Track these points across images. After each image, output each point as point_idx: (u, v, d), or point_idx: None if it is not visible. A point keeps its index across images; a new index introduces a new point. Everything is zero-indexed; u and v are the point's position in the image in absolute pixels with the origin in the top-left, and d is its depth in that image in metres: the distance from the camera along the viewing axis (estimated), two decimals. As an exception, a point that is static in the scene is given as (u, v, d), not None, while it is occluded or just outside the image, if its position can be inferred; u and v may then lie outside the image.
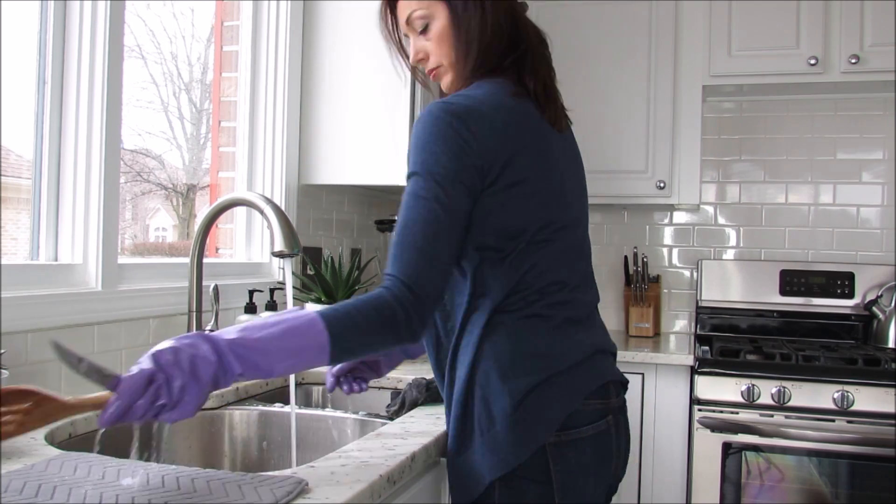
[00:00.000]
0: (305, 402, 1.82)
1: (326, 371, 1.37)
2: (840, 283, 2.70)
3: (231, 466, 1.50)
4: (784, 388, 2.17)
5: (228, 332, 0.98)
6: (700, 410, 2.23)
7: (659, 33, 2.65)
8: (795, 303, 2.75)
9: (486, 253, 1.16)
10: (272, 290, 1.92)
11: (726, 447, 2.20)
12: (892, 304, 2.54)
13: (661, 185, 2.64)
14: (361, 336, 1.03)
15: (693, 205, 2.79)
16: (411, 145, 1.14)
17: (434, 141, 1.10)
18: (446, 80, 1.27)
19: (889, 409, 2.11)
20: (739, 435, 2.19)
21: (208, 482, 0.90)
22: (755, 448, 2.19)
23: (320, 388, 1.83)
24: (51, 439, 1.16)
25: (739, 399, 2.20)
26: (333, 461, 1.05)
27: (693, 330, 2.92)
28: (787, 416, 2.17)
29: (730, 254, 2.94)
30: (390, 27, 1.33)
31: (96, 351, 1.43)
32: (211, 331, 1.60)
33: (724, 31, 2.59)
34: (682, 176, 2.65)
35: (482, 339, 1.15)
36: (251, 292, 1.82)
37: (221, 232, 2.20)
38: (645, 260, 2.83)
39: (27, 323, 1.27)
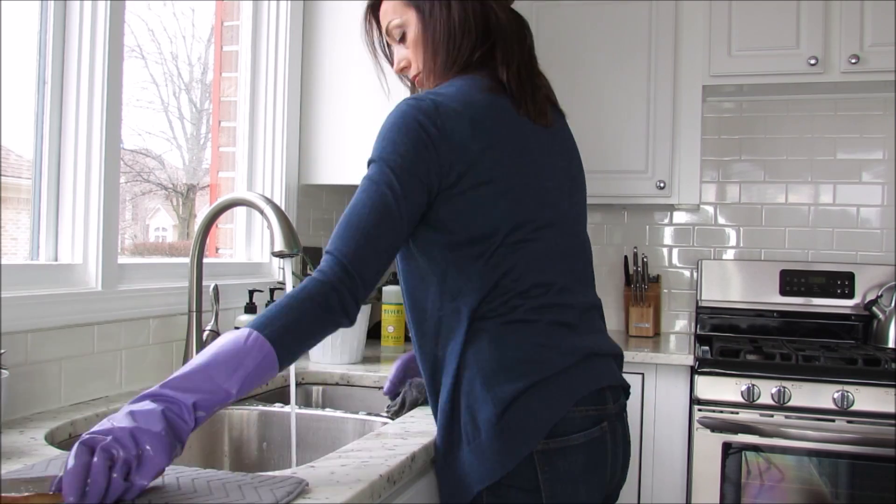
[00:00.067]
0: (305, 402, 1.82)
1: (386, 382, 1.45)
2: (840, 283, 2.70)
3: (231, 466, 1.50)
4: (784, 388, 2.17)
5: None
6: (700, 410, 2.23)
7: (659, 33, 2.65)
8: (795, 303, 2.75)
9: (458, 254, 1.14)
10: (272, 290, 1.92)
11: (726, 447, 2.21)
12: (892, 304, 2.54)
13: (661, 185, 2.64)
14: (299, 330, 1.02)
15: (693, 205, 2.79)
16: (377, 136, 1.14)
17: (397, 133, 1.11)
18: (426, 85, 1.26)
19: (889, 409, 2.11)
20: (739, 435, 2.19)
21: (209, 482, 0.90)
22: (755, 448, 2.19)
23: (320, 388, 1.83)
24: (51, 439, 1.16)
25: (739, 399, 2.20)
26: (333, 461, 1.05)
27: (693, 330, 2.92)
28: (787, 416, 2.17)
29: (730, 254, 2.94)
30: (374, 39, 1.34)
31: (96, 351, 1.43)
32: (212, 330, 1.61)
33: (724, 31, 2.59)
34: (682, 176, 2.65)
35: (465, 347, 1.13)
36: (251, 292, 1.82)
37: (221, 232, 2.20)
38: (645, 260, 2.83)
39: (27, 323, 1.27)
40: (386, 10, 1.28)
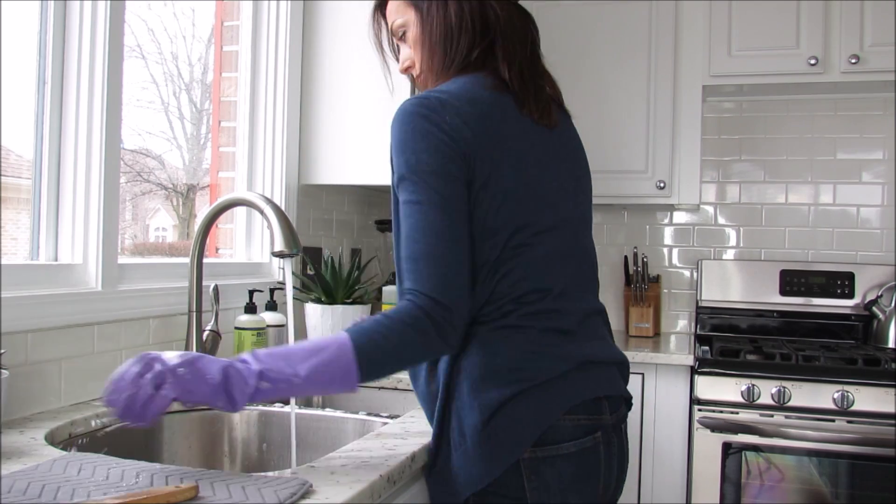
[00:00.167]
0: (305, 402, 1.82)
1: None
2: (840, 283, 2.70)
3: (231, 466, 1.50)
4: (784, 388, 2.17)
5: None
6: (700, 410, 2.23)
7: (659, 33, 2.65)
8: (795, 303, 2.75)
9: None
10: (272, 290, 1.92)
11: (726, 447, 2.21)
12: (892, 304, 2.54)
13: (661, 185, 2.64)
14: (390, 351, 1.04)
15: (693, 205, 2.79)
16: (391, 148, 1.11)
17: (413, 139, 1.08)
18: (428, 85, 1.24)
19: (889, 409, 2.11)
20: (739, 435, 2.19)
21: (212, 483, 0.90)
22: (755, 448, 2.19)
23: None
24: (51, 439, 1.16)
25: (739, 399, 2.20)
26: (333, 461, 1.05)
27: (693, 330, 2.92)
28: (787, 416, 2.17)
29: (730, 254, 2.94)
30: (382, 38, 1.33)
31: (96, 351, 1.43)
32: (212, 330, 1.61)
33: (724, 31, 2.59)
34: (682, 176, 2.65)
35: (457, 353, 1.12)
36: (251, 292, 1.82)
37: (221, 232, 2.20)
38: (645, 260, 2.83)
39: (27, 323, 1.27)
40: (390, 9, 1.27)
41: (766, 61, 2.56)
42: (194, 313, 1.57)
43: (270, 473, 0.98)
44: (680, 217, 2.99)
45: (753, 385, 2.19)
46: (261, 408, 1.53)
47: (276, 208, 1.44)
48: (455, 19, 1.19)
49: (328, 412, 1.49)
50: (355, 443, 1.16)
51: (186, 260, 1.62)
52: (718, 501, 2.21)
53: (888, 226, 2.78)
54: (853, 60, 2.46)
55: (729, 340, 2.58)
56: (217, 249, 2.20)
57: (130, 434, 1.37)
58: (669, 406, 2.35)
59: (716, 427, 2.21)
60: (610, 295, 2.95)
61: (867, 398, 2.13)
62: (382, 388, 1.73)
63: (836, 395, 2.14)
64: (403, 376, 1.71)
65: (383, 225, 2.58)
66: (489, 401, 1.08)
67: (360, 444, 1.16)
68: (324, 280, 1.92)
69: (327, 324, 1.91)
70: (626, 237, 3.02)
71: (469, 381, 1.10)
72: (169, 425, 1.45)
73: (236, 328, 1.75)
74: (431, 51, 1.21)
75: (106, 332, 1.45)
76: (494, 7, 1.20)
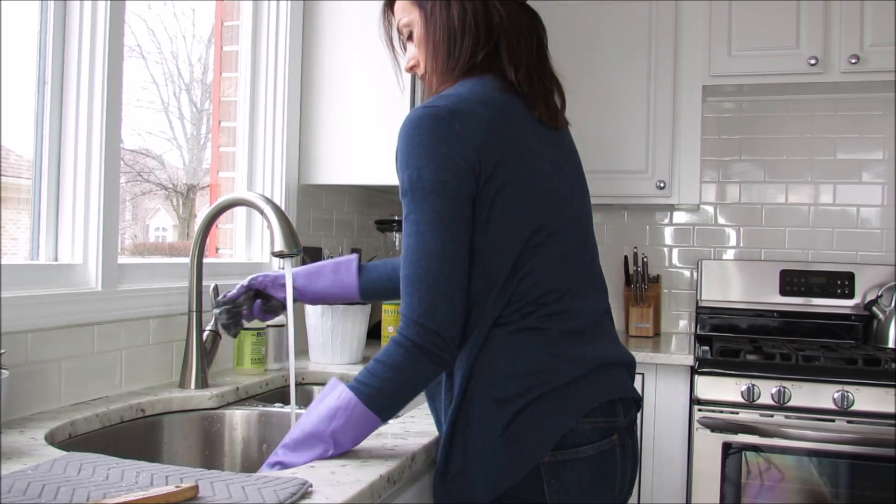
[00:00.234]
0: (305, 402, 1.82)
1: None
2: (840, 283, 2.70)
3: (231, 466, 1.50)
4: (784, 388, 2.17)
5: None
6: (700, 410, 2.23)
7: (659, 33, 2.65)
8: (795, 303, 2.75)
9: (484, 261, 1.10)
10: (272, 290, 1.91)
11: (726, 447, 2.21)
12: (892, 304, 2.54)
13: (661, 185, 2.64)
14: (398, 395, 1.07)
15: (693, 205, 2.79)
16: (397, 159, 1.10)
17: (417, 154, 1.07)
18: (432, 85, 1.24)
19: (889, 409, 2.11)
20: (739, 435, 2.19)
21: (212, 483, 0.90)
22: (755, 448, 2.19)
23: (321, 388, 1.83)
24: (51, 439, 1.16)
25: (739, 399, 2.20)
26: (333, 461, 1.05)
27: (693, 330, 2.92)
28: (787, 416, 2.17)
29: (730, 254, 2.94)
30: (392, 35, 1.32)
31: (96, 351, 1.43)
32: (212, 331, 1.61)
33: (724, 31, 2.59)
34: (682, 176, 2.66)
35: (476, 356, 1.11)
36: (251, 292, 1.82)
37: (221, 232, 2.20)
38: (645, 260, 2.83)
39: (27, 323, 1.27)
40: (397, 8, 1.26)
41: (766, 61, 2.56)
42: (194, 313, 1.57)
43: (271, 474, 0.98)
44: (680, 217, 2.99)
45: (753, 385, 2.19)
46: (261, 408, 1.53)
47: (276, 208, 1.44)
48: (458, 20, 1.18)
49: (328, 412, 1.49)
50: (355, 443, 1.16)
51: (186, 260, 1.62)
52: (718, 501, 2.21)
53: (888, 226, 2.78)
54: (853, 60, 2.46)
55: (729, 340, 2.58)
56: (217, 249, 2.20)
57: (130, 434, 1.38)
58: (669, 406, 2.35)
59: (716, 427, 2.21)
60: (610, 295, 2.94)
61: (867, 398, 2.13)
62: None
63: (836, 395, 2.14)
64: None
65: (383, 225, 2.58)
66: (510, 404, 1.08)
67: (360, 443, 1.15)
68: (324, 280, 1.91)
69: (327, 324, 1.91)
70: (626, 237, 3.02)
71: (488, 385, 1.09)
72: (169, 425, 1.45)
73: (244, 328, 1.75)
74: (435, 51, 1.20)
75: (106, 332, 1.45)
76: (498, 7, 1.19)
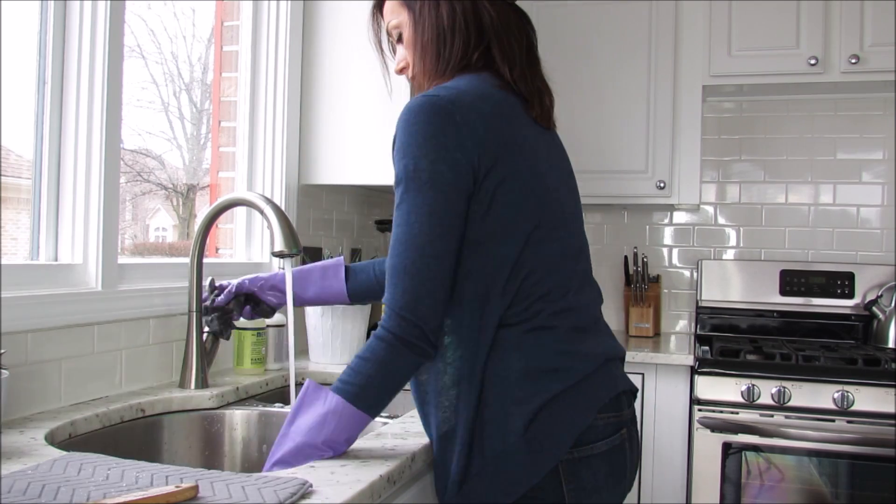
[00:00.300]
0: (306, 402, 1.82)
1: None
2: (840, 283, 2.70)
3: (231, 466, 1.50)
4: (784, 388, 2.17)
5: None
6: (700, 410, 2.23)
7: (659, 33, 2.65)
8: (795, 303, 2.75)
9: (484, 258, 1.09)
10: (272, 290, 1.91)
11: (726, 447, 2.21)
12: (892, 304, 2.54)
13: (661, 185, 2.64)
14: (384, 389, 1.07)
15: (693, 205, 2.79)
16: (394, 146, 1.09)
17: (415, 143, 1.06)
18: (423, 87, 1.22)
19: (889, 409, 2.11)
20: (739, 435, 2.19)
21: (212, 483, 0.90)
22: (755, 448, 2.19)
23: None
24: (51, 439, 1.15)
25: (739, 399, 2.20)
26: (333, 461, 1.05)
27: (693, 330, 2.92)
28: (787, 416, 2.17)
29: (730, 254, 2.94)
30: (381, 38, 1.33)
31: (96, 351, 1.43)
32: (213, 331, 1.61)
33: (724, 31, 2.59)
34: (682, 176, 2.65)
35: (488, 358, 1.09)
36: (251, 292, 1.82)
37: (221, 232, 2.20)
38: (645, 260, 2.83)
39: (27, 323, 1.27)
40: (386, 9, 1.26)
41: (766, 61, 2.56)
42: (194, 313, 1.56)
43: (271, 474, 0.98)
44: (680, 217, 2.99)
45: (753, 385, 2.19)
46: (261, 408, 1.53)
47: (276, 208, 1.44)
48: (447, 20, 1.17)
49: (328, 412, 1.49)
50: (355, 443, 1.16)
51: (186, 260, 1.62)
52: (718, 501, 2.21)
53: (888, 226, 2.78)
54: (853, 60, 2.46)
55: (729, 340, 2.58)
56: (217, 249, 2.20)
57: (130, 434, 1.38)
58: (669, 406, 2.35)
59: (716, 427, 2.21)
60: (610, 295, 2.95)
61: (867, 398, 2.13)
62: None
63: (836, 395, 2.14)
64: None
65: (383, 225, 2.58)
66: (529, 405, 1.07)
67: (359, 444, 1.16)
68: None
69: (327, 324, 1.91)
70: (626, 237, 3.02)
71: (505, 387, 1.09)
72: (169, 425, 1.45)
73: (236, 328, 1.75)
74: (424, 51, 1.20)
75: (106, 332, 1.45)
76: (488, 7, 1.18)
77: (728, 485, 2.21)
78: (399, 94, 2.08)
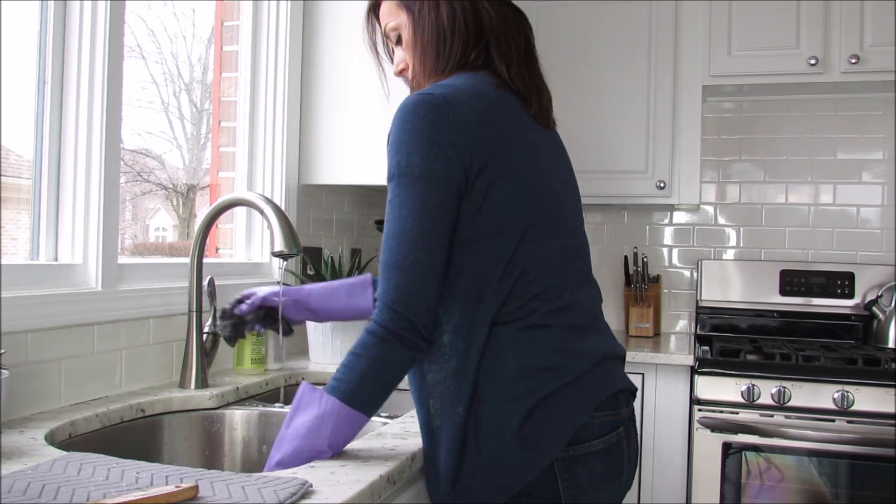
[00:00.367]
0: (306, 402, 1.82)
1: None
2: (840, 283, 2.70)
3: (231, 466, 1.50)
4: (784, 388, 2.17)
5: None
6: (700, 410, 2.23)
7: (659, 33, 2.65)
8: (795, 303, 2.75)
9: (478, 255, 1.09)
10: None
11: (726, 447, 2.21)
12: (892, 304, 2.54)
13: (661, 185, 2.64)
14: (378, 386, 1.07)
15: (693, 205, 2.79)
16: (388, 143, 1.10)
17: (409, 139, 1.06)
18: (423, 87, 1.22)
19: (889, 409, 2.11)
20: (739, 435, 2.19)
21: (212, 483, 0.90)
22: (755, 448, 2.19)
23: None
24: (51, 439, 1.16)
25: (739, 399, 2.20)
26: (333, 461, 1.05)
27: (693, 330, 2.92)
28: (787, 416, 2.17)
29: (730, 254, 2.94)
30: (376, 40, 1.32)
31: (96, 351, 1.43)
32: (212, 332, 1.61)
33: (724, 31, 2.59)
34: (682, 176, 2.65)
35: (482, 356, 1.09)
36: (251, 292, 1.82)
37: (221, 232, 2.20)
38: (645, 260, 2.83)
39: (27, 323, 1.27)
40: (383, 11, 1.26)
41: (766, 61, 2.56)
42: (194, 313, 1.57)
43: (271, 474, 0.98)
44: (680, 217, 2.99)
45: (753, 385, 2.19)
46: (261, 408, 1.53)
47: (276, 208, 1.44)
48: (447, 20, 1.18)
49: (328, 412, 1.49)
50: (355, 443, 1.16)
51: (186, 260, 1.62)
52: (718, 501, 2.21)
53: (888, 226, 2.78)
54: (853, 60, 2.46)
55: (729, 340, 2.58)
56: (217, 249, 2.20)
57: (130, 434, 1.38)
58: (669, 406, 2.35)
59: (716, 427, 2.21)
60: (610, 295, 2.95)
61: (867, 398, 2.13)
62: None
63: (836, 395, 2.14)
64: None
65: (383, 225, 2.58)
66: (524, 403, 1.07)
67: (359, 444, 1.16)
68: (324, 280, 1.91)
69: (327, 324, 1.91)
70: (625, 237, 3.02)
71: (500, 385, 1.09)
72: (169, 425, 1.45)
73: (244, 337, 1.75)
74: (424, 52, 1.20)
75: (106, 332, 1.45)
76: (487, 7, 1.19)
77: (728, 485, 2.21)
78: (398, 96, 2.07)
